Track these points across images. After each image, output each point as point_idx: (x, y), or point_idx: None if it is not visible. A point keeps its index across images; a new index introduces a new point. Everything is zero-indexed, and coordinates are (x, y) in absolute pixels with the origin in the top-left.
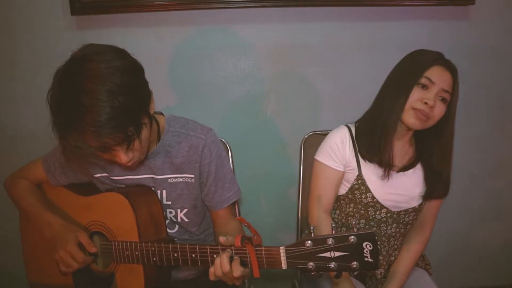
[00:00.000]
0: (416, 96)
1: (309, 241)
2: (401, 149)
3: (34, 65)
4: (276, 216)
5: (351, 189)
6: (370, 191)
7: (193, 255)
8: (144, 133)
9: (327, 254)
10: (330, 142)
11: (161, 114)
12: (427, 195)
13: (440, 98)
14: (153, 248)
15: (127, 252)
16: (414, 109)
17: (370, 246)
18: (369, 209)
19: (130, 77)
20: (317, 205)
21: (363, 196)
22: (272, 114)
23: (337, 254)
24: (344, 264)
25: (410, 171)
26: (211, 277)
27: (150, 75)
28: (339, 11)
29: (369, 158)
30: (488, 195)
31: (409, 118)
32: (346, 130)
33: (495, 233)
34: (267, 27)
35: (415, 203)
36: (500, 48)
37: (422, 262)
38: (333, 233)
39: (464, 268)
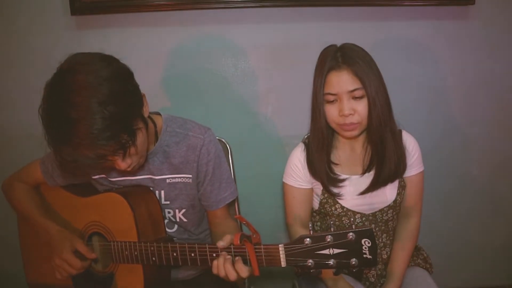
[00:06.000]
0: (331, 114)
1: (308, 239)
2: (360, 150)
3: (33, 65)
4: (275, 216)
5: (321, 203)
6: (337, 202)
7: (192, 254)
8: (140, 138)
9: (326, 251)
10: (290, 163)
11: (159, 114)
12: (377, 176)
13: (353, 98)
14: (152, 248)
15: (126, 252)
16: (338, 124)
17: (368, 243)
18: (343, 219)
19: (119, 85)
20: (293, 222)
21: (333, 208)
22: (272, 114)
23: (336, 251)
24: (343, 261)
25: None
26: (214, 271)
27: (149, 75)
28: (338, 11)
29: (315, 176)
30: (488, 195)
31: (342, 132)
32: (302, 148)
33: (495, 233)
34: (267, 27)
35: (389, 200)
36: (500, 48)
37: (423, 262)
38: (332, 230)
39: (464, 268)
